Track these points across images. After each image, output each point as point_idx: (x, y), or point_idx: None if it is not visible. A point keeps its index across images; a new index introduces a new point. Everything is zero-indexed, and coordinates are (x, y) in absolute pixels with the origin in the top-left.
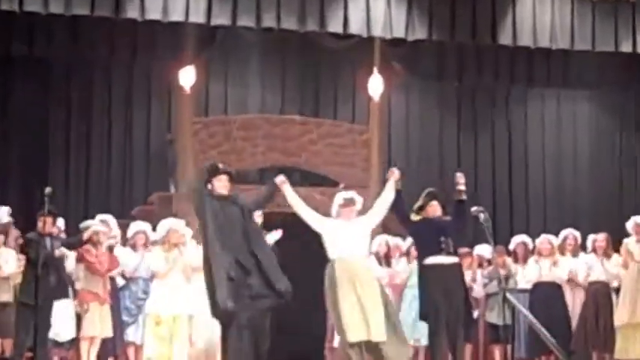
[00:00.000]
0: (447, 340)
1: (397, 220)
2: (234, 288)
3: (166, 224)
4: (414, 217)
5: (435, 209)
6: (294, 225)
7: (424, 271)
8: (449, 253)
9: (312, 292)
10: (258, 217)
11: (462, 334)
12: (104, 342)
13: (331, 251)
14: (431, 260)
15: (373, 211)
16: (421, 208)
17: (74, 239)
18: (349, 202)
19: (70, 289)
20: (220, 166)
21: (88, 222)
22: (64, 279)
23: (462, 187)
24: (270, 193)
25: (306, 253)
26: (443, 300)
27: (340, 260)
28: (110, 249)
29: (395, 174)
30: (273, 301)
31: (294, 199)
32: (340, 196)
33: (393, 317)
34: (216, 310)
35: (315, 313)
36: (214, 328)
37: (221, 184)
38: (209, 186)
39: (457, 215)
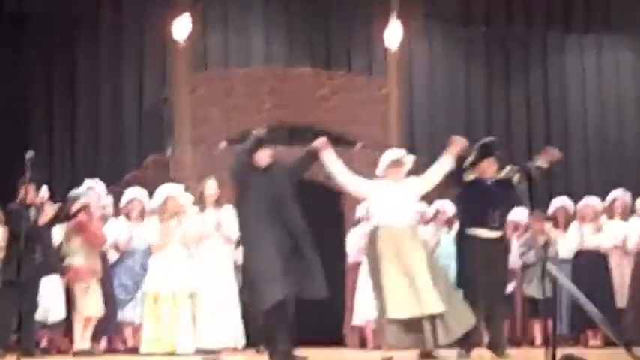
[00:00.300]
0: (482, 316)
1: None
2: (281, 274)
3: (164, 191)
4: (466, 177)
5: (489, 167)
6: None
7: (464, 241)
8: (493, 228)
9: (331, 267)
10: None
11: (501, 310)
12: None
13: (375, 217)
14: (473, 231)
15: (426, 178)
16: (473, 165)
17: (62, 214)
18: (398, 163)
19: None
20: (263, 136)
21: (76, 191)
22: (51, 253)
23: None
24: (309, 160)
25: (320, 222)
26: (481, 273)
27: (386, 227)
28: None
29: (459, 143)
30: (309, 293)
31: (335, 166)
32: (388, 156)
33: (446, 286)
34: (258, 301)
35: (335, 289)
36: (221, 305)
37: (266, 155)
38: (252, 158)
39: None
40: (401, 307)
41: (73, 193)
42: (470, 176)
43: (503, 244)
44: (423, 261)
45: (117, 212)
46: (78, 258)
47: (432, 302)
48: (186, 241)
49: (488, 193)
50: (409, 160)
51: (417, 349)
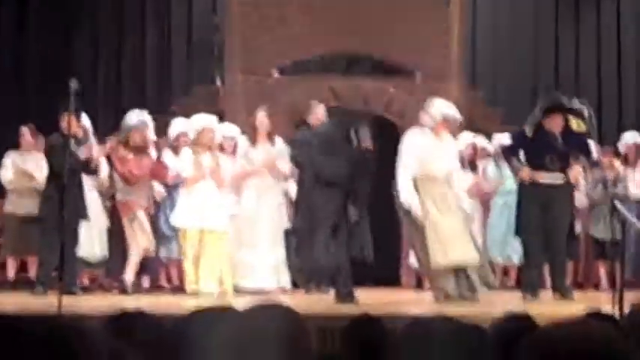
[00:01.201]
0: (545, 258)
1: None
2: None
3: (200, 120)
4: (529, 129)
5: (554, 123)
6: None
7: (522, 188)
8: (552, 170)
9: (388, 208)
10: None
11: (562, 257)
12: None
13: (417, 168)
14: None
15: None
16: (537, 125)
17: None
18: (448, 121)
19: (101, 203)
20: None
21: (129, 121)
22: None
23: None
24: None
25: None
26: (542, 215)
27: (425, 177)
28: (148, 153)
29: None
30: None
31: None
32: (439, 110)
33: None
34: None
35: (391, 230)
36: (263, 245)
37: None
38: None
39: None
40: (442, 256)
41: (126, 123)
42: (531, 130)
43: (566, 189)
44: (460, 212)
45: (161, 144)
46: (130, 192)
47: (471, 253)
48: (218, 177)
49: (549, 137)
50: (459, 118)
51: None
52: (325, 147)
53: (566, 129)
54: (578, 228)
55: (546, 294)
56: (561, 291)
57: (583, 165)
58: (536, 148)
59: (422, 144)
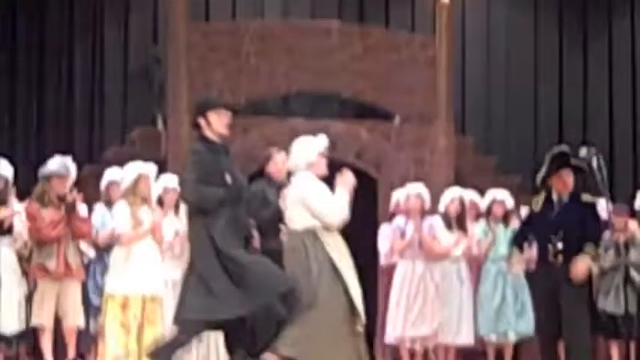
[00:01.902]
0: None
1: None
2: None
3: (135, 168)
4: (536, 201)
5: (564, 182)
6: None
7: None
8: (555, 256)
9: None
10: None
11: (581, 344)
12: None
13: None
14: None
15: None
16: (545, 181)
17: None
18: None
19: (17, 265)
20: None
21: (47, 168)
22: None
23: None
24: None
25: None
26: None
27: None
28: (71, 207)
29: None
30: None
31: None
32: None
33: None
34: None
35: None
36: None
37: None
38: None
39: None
40: None
41: (44, 171)
42: (537, 200)
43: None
44: None
45: (94, 198)
46: (33, 255)
47: None
48: (157, 234)
49: (555, 223)
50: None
51: None
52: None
53: (575, 195)
54: None
55: None
56: None
57: (592, 254)
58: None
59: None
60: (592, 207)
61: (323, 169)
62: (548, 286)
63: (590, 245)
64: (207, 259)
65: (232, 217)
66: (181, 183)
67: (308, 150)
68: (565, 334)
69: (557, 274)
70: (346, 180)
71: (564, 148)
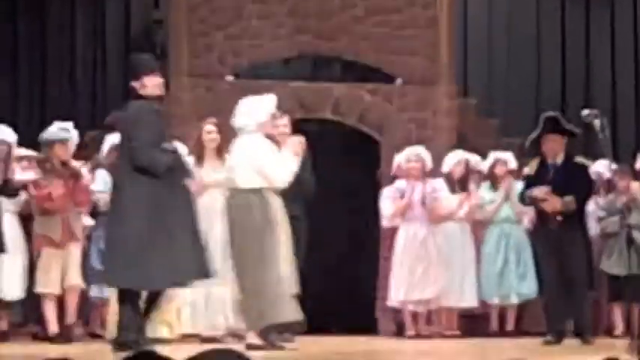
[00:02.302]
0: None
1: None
2: None
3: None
4: (531, 165)
5: (551, 146)
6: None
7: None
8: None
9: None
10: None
11: (581, 297)
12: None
13: None
14: (540, 230)
15: None
16: (535, 143)
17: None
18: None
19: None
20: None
21: (49, 134)
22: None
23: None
24: None
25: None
26: (553, 262)
27: None
28: (76, 175)
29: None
30: None
31: None
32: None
33: None
34: None
35: (366, 260)
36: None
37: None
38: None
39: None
40: None
41: (45, 137)
42: (532, 164)
43: (575, 231)
44: None
45: (94, 163)
46: (36, 225)
47: None
48: None
49: (550, 181)
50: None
51: None
52: None
53: (569, 157)
54: None
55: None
56: (583, 335)
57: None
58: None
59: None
60: (583, 169)
61: (272, 129)
62: (547, 247)
63: (570, 198)
64: (140, 225)
65: (171, 184)
66: (135, 148)
67: (258, 110)
68: (567, 293)
69: (556, 236)
70: (294, 144)
71: (554, 113)
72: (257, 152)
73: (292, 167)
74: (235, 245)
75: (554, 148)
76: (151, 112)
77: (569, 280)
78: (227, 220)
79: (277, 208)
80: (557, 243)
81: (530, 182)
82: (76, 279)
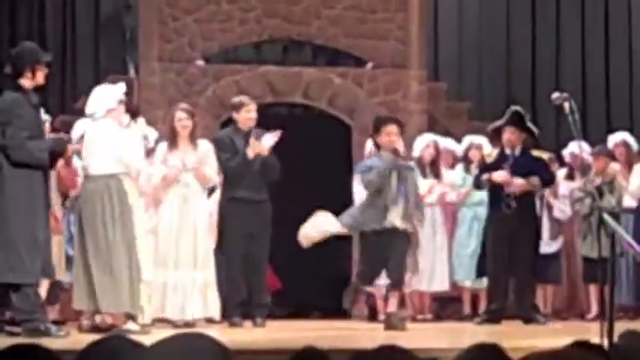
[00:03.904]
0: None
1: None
2: None
3: (82, 125)
4: (488, 155)
5: (511, 138)
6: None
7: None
8: (508, 206)
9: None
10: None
11: (526, 284)
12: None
13: None
14: (493, 215)
15: None
16: (497, 132)
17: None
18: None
19: None
20: None
21: None
22: None
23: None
24: None
25: (322, 158)
26: (501, 248)
27: None
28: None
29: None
30: None
31: None
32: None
33: None
34: None
35: (337, 245)
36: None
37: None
38: None
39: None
40: None
41: None
42: (492, 153)
43: (527, 217)
44: None
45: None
46: None
47: None
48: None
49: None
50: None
51: None
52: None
53: (525, 150)
54: (559, 245)
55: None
56: (528, 320)
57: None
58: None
59: None
60: (541, 161)
61: (121, 116)
62: (501, 232)
63: (535, 178)
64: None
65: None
66: (18, 145)
67: (107, 97)
68: (514, 275)
69: (510, 222)
70: (141, 127)
71: (520, 109)
72: (108, 138)
73: (141, 150)
74: (89, 232)
75: (512, 140)
76: (25, 105)
77: (514, 264)
78: (82, 208)
79: (133, 193)
80: (509, 228)
81: (488, 168)
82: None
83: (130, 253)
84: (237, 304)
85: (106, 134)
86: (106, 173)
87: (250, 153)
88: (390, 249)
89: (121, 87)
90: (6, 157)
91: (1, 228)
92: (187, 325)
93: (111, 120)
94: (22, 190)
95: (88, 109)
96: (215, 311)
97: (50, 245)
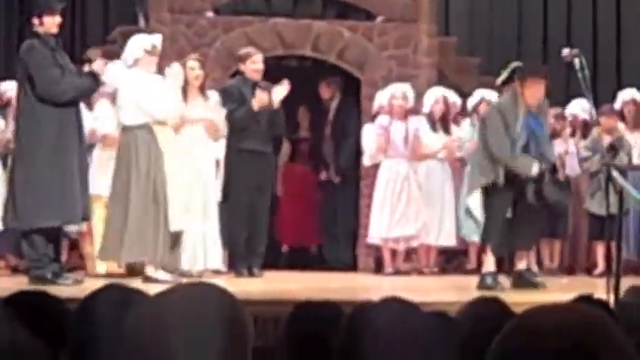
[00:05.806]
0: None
1: None
2: None
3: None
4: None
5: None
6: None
7: None
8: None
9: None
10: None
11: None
12: None
13: None
14: None
15: None
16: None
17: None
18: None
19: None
20: None
21: None
22: None
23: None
24: None
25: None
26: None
27: None
28: None
29: None
30: None
31: None
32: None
33: None
34: None
35: (347, 197)
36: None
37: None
38: None
39: None
40: None
41: None
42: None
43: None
44: None
45: None
46: None
47: None
48: None
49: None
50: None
51: None
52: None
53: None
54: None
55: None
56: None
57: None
58: None
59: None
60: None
61: (150, 66)
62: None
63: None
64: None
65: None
66: (52, 82)
67: (134, 46)
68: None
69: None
70: (177, 74)
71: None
72: (136, 87)
73: (176, 100)
74: (119, 179)
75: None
76: (42, 48)
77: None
78: (116, 160)
79: (166, 142)
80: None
81: None
82: None
83: (158, 205)
84: (242, 255)
85: (134, 84)
86: (134, 124)
87: (255, 105)
88: None
89: (152, 38)
90: (48, 102)
91: (32, 172)
92: (196, 276)
93: (139, 69)
94: (54, 132)
95: (121, 58)
96: (220, 262)
97: (87, 187)
